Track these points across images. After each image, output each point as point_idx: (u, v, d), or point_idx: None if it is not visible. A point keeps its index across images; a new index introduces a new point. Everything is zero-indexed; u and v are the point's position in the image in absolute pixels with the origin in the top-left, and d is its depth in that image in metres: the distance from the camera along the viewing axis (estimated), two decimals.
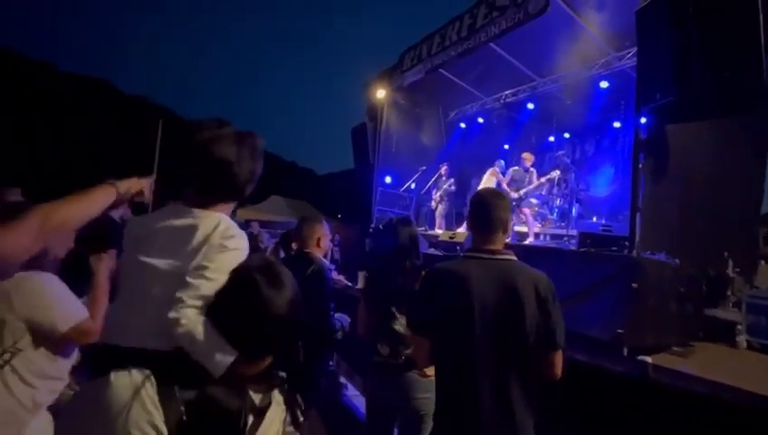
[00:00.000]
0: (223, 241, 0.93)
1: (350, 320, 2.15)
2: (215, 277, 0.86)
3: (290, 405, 0.84)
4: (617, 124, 7.19)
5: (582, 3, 5.25)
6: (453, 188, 7.47)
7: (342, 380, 3.86)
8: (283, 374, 0.86)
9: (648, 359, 2.44)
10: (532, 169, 6.16)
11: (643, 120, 3.78)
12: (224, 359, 0.78)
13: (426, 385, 1.78)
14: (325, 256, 2.29)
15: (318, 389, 2.11)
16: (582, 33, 5.77)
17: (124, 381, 0.74)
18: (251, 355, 0.81)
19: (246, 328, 0.82)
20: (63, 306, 1.27)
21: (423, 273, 1.47)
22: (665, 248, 3.76)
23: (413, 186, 8.03)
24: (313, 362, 2.08)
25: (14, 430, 1.17)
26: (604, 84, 6.45)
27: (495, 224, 1.43)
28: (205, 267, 0.88)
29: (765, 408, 1.59)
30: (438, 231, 6.87)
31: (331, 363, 4.00)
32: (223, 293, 0.84)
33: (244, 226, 9.70)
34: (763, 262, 5.62)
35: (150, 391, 0.74)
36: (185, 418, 0.73)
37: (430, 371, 1.80)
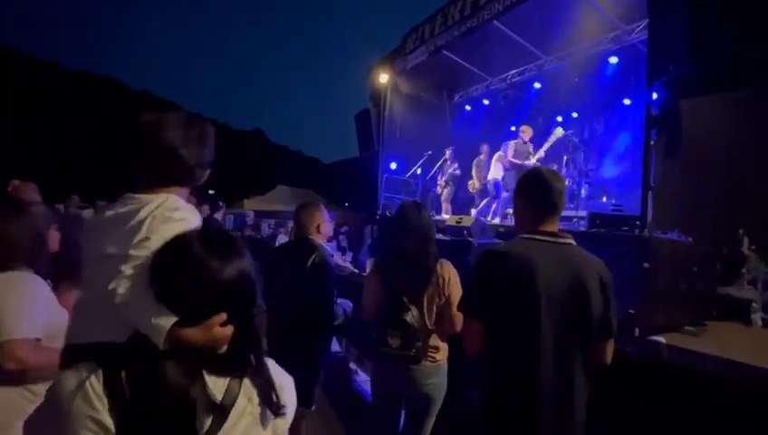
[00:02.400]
0: (167, 213, 0.91)
1: (353, 305, 2.14)
2: (156, 246, 0.82)
3: (264, 398, 0.76)
4: (627, 101, 6.97)
5: None
6: (458, 172, 7.37)
7: (352, 365, 3.89)
8: (252, 360, 0.78)
9: (662, 339, 2.39)
10: (529, 142, 6.08)
11: (654, 95, 3.64)
12: (161, 322, 0.72)
13: (435, 370, 1.76)
14: (330, 242, 2.28)
15: (318, 375, 2.11)
16: (589, 6, 5.56)
17: (70, 379, 0.71)
18: (190, 316, 0.74)
19: (181, 289, 0.75)
20: (9, 317, 1.20)
21: (480, 254, 1.41)
22: (677, 227, 3.67)
23: (419, 171, 7.94)
24: (315, 347, 2.09)
25: (15, 420, 1.16)
26: (613, 60, 6.24)
27: (557, 205, 1.40)
28: (147, 238, 0.86)
29: None
30: (445, 216, 6.80)
31: (339, 350, 4.03)
32: (157, 257, 0.78)
33: (242, 216, 9.74)
34: None
35: (96, 384, 0.68)
36: (131, 405, 0.66)
37: (439, 356, 1.78)
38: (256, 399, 0.76)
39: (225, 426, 0.71)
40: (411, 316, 1.68)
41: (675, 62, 3.12)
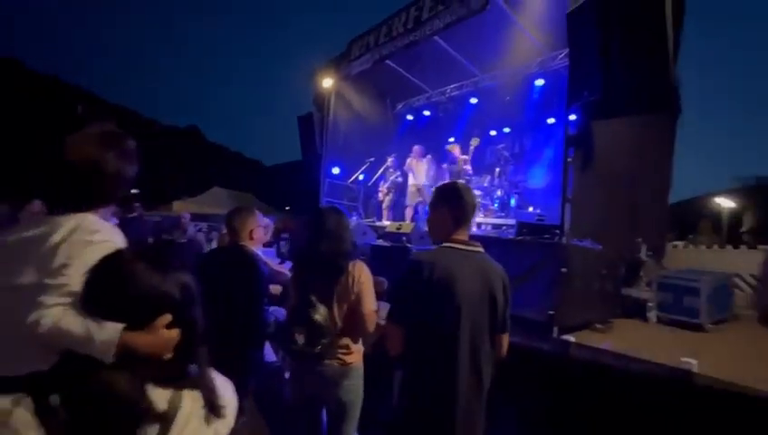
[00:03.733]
0: (86, 236, 0.87)
1: (285, 313, 2.09)
2: (80, 272, 0.78)
3: (207, 404, 0.76)
4: (551, 120, 7.66)
5: (520, 3, 5.49)
6: (400, 179, 7.54)
7: (288, 376, 3.76)
8: (195, 371, 0.78)
9: (572, 338, 2.65)
10: (460, 156, 6.45)
11: (572, 116, 4.06)
12: (107, 335, 0.71)
13: (346, 372, 1.77)
14: (270, 248, 2.22)
15: (247, 385, 2.03)
16: (520, 32, 6.05)
17: None
18: (134, 322, 0.74)
19: (122, 304, 0.75)
20: None
21: (410, 261, 1.45)
22: (590, 235, 4.10)
23: (361, 177, 7.99)
24: (245, 356, 2.01)
25: None
26: (539, 82, 6.83)
27: (469, 217, 1.52)
28: (65, 265, 0.82)
29: (665, 375, 1.79)
30: (386, 223, 6.92)
31: (275, 359, 3.88)
32: (92, 279, 0.76)
33: (170, 219, 9.06)
34: (670, 246, 6.37)
35: (22, 415, 0.64)
36: (69, 428, 0.63)
37: (350, 358, 1.80)
38: (200, 404, 0.76)
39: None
40: (318, 314, 1.69)
41: (588, 89, 3.52)
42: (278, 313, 2.10)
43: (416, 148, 7.17)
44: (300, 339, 1.68)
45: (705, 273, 4.38)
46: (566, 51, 5.64)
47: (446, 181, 6.23)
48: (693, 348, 3.34)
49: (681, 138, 5.46)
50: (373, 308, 1.77)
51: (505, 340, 1.53)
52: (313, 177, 7.96)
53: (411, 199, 7.10)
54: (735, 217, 13.78)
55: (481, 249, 1.50)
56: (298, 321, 1.71)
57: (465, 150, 6.67)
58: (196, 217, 11.55)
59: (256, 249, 2.15)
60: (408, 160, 7.19)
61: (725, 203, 15.54)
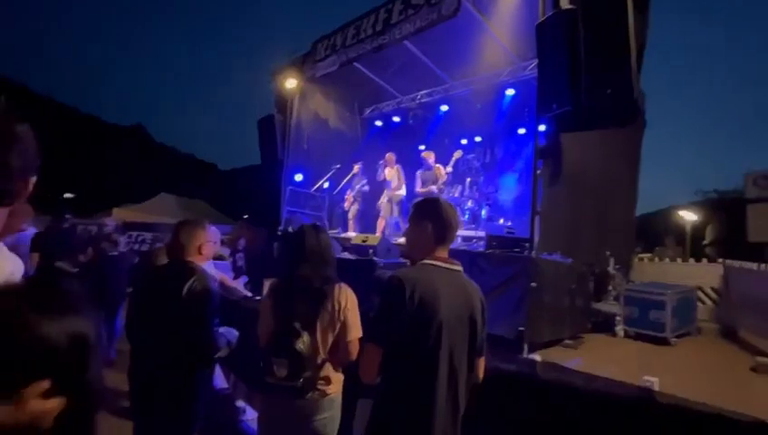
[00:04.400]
0: None
1: (238, 335, 2.02)
2: None
3: None
4: (522, 131, 8.00)
5: (492, 11, 5.74)
6: (367, 188, 7.57)
7: (240, 404, 3.63)
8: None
9: (537, 357, 2.75)
10: (436, 164, 6.59)
11: (542, 127, 4.26)
12: None
13: (326, 404, 1.74)
14: (224, 261, 2.14)
15: (194, 418, 1.94)
16: (491, 40, 6.31)
17: None
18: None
19: None
20: None
21: (388, 279, 1.44)
22: (560, 248, 4.29)
23: (326, 185, 7.95)
24: (192, 384, 1.92)
25: None
26: (510, 92, 7.13)
27: (452, 235, 1.55)
28: None
29: (628, 394, 1.89)
30: (351, 234, 6.90)
31: (226, 386, 3.73)
32: None
33: (113, 226, 8.61)
34: (636, 259, 6.78)
35: None
36: None
37: (330, 389, 1.77)
38: None
39: None
40: (302, 343, 1.65)
41: (558, 101, 3.71)
42: (229, 334, 2.02)
43: (389, 155, 7.24)
44: (280, 371, 1.62)
45: (669, 286, 4.69)
46: (536, 61, 5.94)
47: (428, 194, 6.36)
48: (657, 364, 3.57)
49: (646, 151, 5.89)
50: (358, 335, 1.75)
51: (482, 363, 1.56)
52: (274, 183, 7.83)
53: (385, 211, 7.13)
54: (698, 231, 14.89)
55: (461, 268, 1.53)
56: (278, 351, 1.65)
57: (442, 160, 6.80)
58: (139, 227, 11.00)
59: (205, 265, 2.08)
60: (381, 168, 7.26)
61: (688, 216, 16.78)
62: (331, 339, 1.73)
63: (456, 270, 1.52)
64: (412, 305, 1.37)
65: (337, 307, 1.74)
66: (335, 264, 1.89)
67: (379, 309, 1.44)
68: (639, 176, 5.94)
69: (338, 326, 1.73)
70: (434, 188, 6.42)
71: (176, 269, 1.94)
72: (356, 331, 1.76)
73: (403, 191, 7.09)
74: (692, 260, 6.82)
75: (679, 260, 7.01)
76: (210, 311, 1.90)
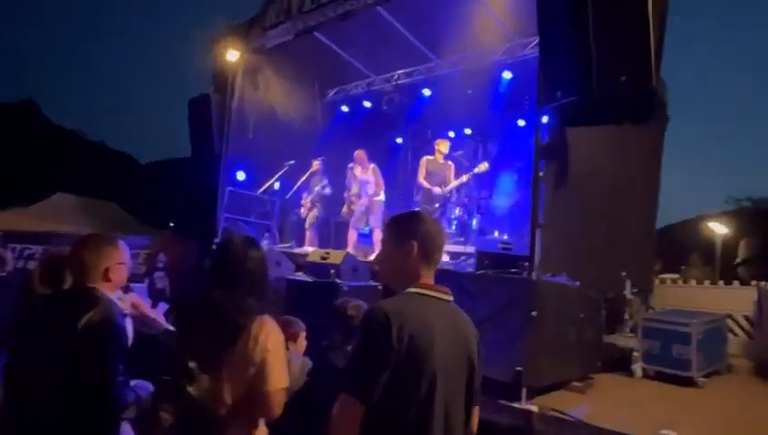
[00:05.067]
0: None
1: (153, 389, 1.95)
2: None
3: None
4: (521, 123, 8.22)
5: None
6: (328, 191, 7.55)
7: None
8: None
9: (534, 407, 2.81)
10: (449, 161, 6.62)
11: (545, 119, 4.39)
12: None
13: None
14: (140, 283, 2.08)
15: None
16: (485, 11, 6.48)
17: None
18: None
19: None
20: None
21: (366, 313, 1.41)
22: (566, 269, 4.41)
23: (276, 186, 7.88)
24: None
25: None
26: (507, 75, 7.33)
27: (440, 257, 1.59)
28: None
29: None
30: (308, 248, 6.85)
31: None
32: None
33: None
34: (657, 281, 7.06)
35: None
36: None
37: None
38: None
39: None
40: (197, 388, 1.60)
41: (563, 88, 3.84)
42: (141, 388, 1.95)
43: (359, 153, 7.23)
44: (165, 422, 1.57)
45: (695, 315, 4.91)
46: (538, 39, 6.13)
47: (427, 194, 6.35)
48: (680, 411, 3.70)
49: (668, 150, 6.16)
50: (283, 385, 1.70)
51: (477, 412, 1.58)
52: (208, 182, 7.67)
53: (359, 221, 7.09)
54: (729, 246, 15.65)
55: (451, 297, 1.54)
56: (167, 395, 1.60)
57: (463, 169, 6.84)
58: (28, 238, 10.48)
59: (113, 294, 2.01)
60: (350, 171, 7.25)
61: (718, 229, 17.64)
62: (241, 387, 1.68)
63: (447, 300, 1.54)
64: (401, 348, 1.35)
65: (252, 346, 1.67)
66: (267, 293, 1.86)
67: (358, 353, 1.42)
68: (661, 180, 6.19)
69: (252, 371, 1.68)
70: (437, 190, 6.43)
71: (70, 299, 1.86)
72: (279, 379, 1.70)
73: (382, 197, 7.09)
74: (721, 282, 7.17)
75: (707, 282, 7.35)
76: (114, 355, 1.82)
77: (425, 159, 6.76)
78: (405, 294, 1.49)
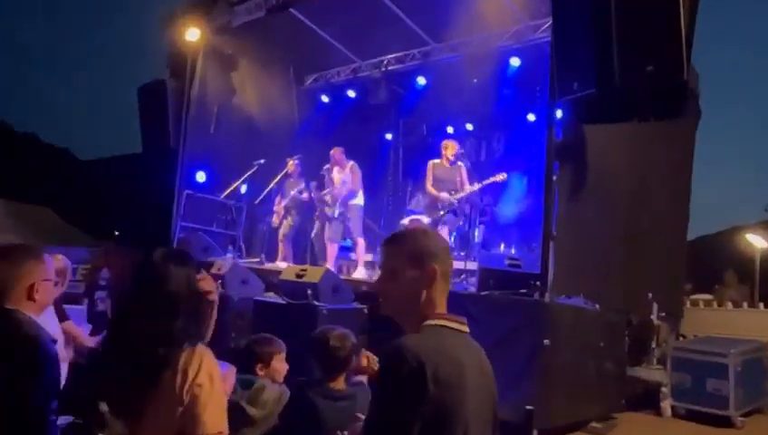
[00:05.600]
0: None
1: None
2: None
3: None
4: (531, 117, 8.28)
5: None
6: (305, 195, 7.51)
7: None
8: None
9: None
10: (459, 163, 6.62)
11: (559, 113, 4.43)
12: None
13: None
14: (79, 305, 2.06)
15: None
16: None
17: None
18: None
19: None
20: None
21: (390, 352, 1.37)
22: (583, 289, 4.44)
23: (243, 189, 7.83)
24: None
25: None
26: (515, 62, 7.40)
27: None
28: None
29: None
30: (281, 264, 6.80)
31: None
32: None
33: None
34: (688, 303, 7.13)
35: None
36: None
37: None
38: None
39: None
40: None
41: (580, 79, 3.89)
42: None
43: (335, 151, 7.14)
44: None
45: (733, 343, 4.96)
46: (551, 21, 6.21)
47: (432, 200, 6.33)
48: None
49: (700, 151, 6.23)
50: (219, 429, 1.66)
51: None
52: (162, 184, 7.62)
53: (336, 233, 6.96)
54: None
55: (468, 328, 1.52)
56: None
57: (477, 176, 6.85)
58: None
59: (38, 316, 1.98)
60: (327, 173, 7.15)
61: (757, 241, 17.89)
62: (167, 433, 1.64)
63: (465, 332, 1.51)
64: (436, 396, 1.34)
65: (180, 382, 1.63)
66: (201, 316, 1.84)
67: (386, 406, 1.38)
68: (692, 185, 6.27)
69: (179, 412, 1.64)
70: (445, 196, 6.42)
71: None
72: (214, 421, 1.65)
73: (360, 200, 7.06)
74: (762, 305, 7.26)
75: (745, 305, 7.43)
76: (42, 391, 1.79)
77: (431, 163, 6.74)
78: (429, 327, 1.46)
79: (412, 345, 1.39)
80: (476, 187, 6.57)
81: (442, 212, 6.48)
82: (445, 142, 6.83)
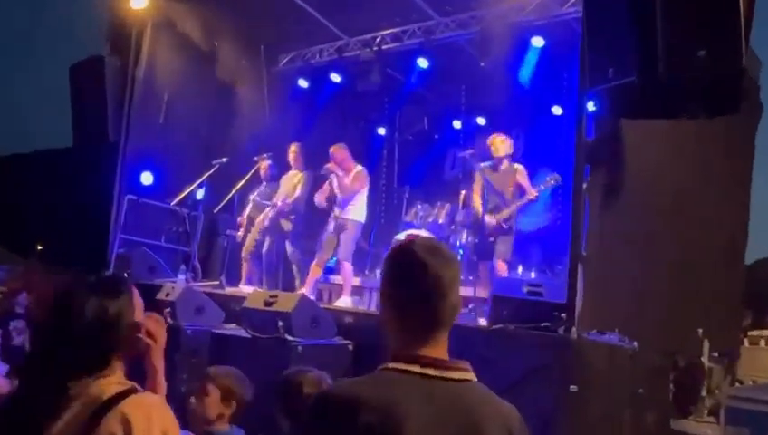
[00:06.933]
0: None
1: None
2: None
3: None
4: (557, 110, 8.35)
5: None
6: (279, 203, 7.53)
7: None
8: None
9: None
10: (515, 165, 6.38)
11: (591, 106, 4.47)
12: None
13: None
14: None
15: None
16: None
17: None
18: None
19: None
20: None
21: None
22: (619, 323, 4.47)
23: (200, 194, 7.82)
24: None
25: None
26: (538, 42, 7.46)
27: (447, 314, 1.47)
28: None
29: None
30: (246, 288, 6.80)
31: None
32: None
33: None
34: (746, 341, 7.17)
35: None
36: None
37: None
38: None
39: None
40: None
41: (616, 65, 3.93)
42: None
43: (338, 149, 6.88)
44: None
45: None
46: None
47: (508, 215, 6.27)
48: None
49: (761, 153, 6.28)
50: None
51: None
52: (98, 186, 7.62)
53: (326, 250, 6.67)
54: None
55: (472, 376, 1.49)
56: None
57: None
58: None
59: None
60: (331, 171, 6.90)
61: None
62: None
63: (454, 380, 1.47)
64: None
65: None
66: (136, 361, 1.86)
67: None
68: (751, 196, 6.30)
69: None
70: (491, 220, 6.15)
71: None
72: None
73: (360, 216, 6.79)
74: None
75: None
76: None
77: (482, 166, 6.43)
78: (376, 371, 1.49)
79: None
80: (533, 193, 6.34)
81: (492, 239, 6.26)
82: (494, 137, 6.46)
